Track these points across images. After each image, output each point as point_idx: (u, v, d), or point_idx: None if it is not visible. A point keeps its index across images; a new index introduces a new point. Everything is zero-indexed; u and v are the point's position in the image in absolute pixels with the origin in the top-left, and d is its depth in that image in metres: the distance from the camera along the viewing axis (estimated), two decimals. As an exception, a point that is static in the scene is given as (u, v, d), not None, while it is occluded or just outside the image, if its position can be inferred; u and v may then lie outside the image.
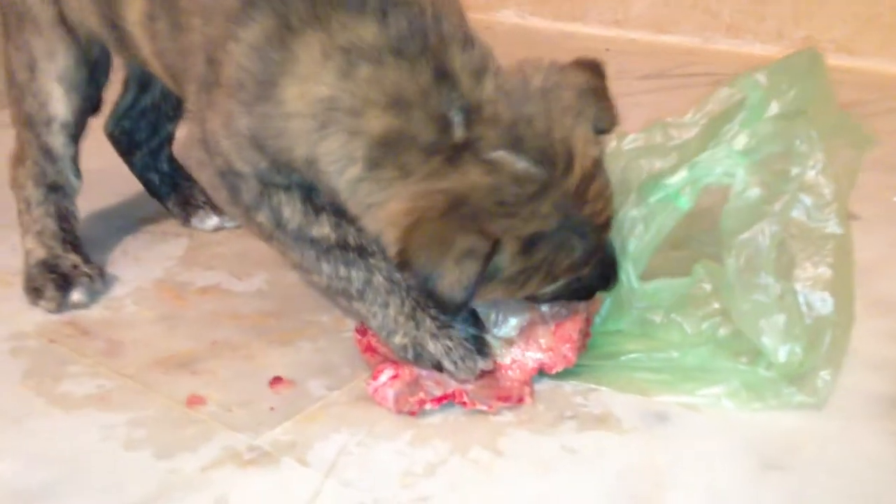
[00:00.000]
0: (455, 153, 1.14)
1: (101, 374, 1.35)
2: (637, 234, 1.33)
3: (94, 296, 1.55)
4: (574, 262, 1.20)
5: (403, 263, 1.15)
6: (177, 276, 1.65)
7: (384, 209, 1.17)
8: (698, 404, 1.27)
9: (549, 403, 1.28)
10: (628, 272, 1.33)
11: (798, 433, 1.21)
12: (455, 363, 1.26)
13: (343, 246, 1.27)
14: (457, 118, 1.15)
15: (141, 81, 1.77)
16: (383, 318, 1.28)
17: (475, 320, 1.31)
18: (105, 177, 1.94)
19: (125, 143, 1.83)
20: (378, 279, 1.28)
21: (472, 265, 1.11)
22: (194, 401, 1.29)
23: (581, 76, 1.22)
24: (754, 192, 1.27)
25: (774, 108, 1.34)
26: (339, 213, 1.27)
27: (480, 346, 1.28)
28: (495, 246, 1.13)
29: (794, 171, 1.24)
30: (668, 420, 1.25)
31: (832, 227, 1.24)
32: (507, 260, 1.15)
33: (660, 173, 1.38)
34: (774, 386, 1.24)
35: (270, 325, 1.49)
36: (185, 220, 1.82)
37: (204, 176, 1.31)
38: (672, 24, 3.31)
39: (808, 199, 1.25)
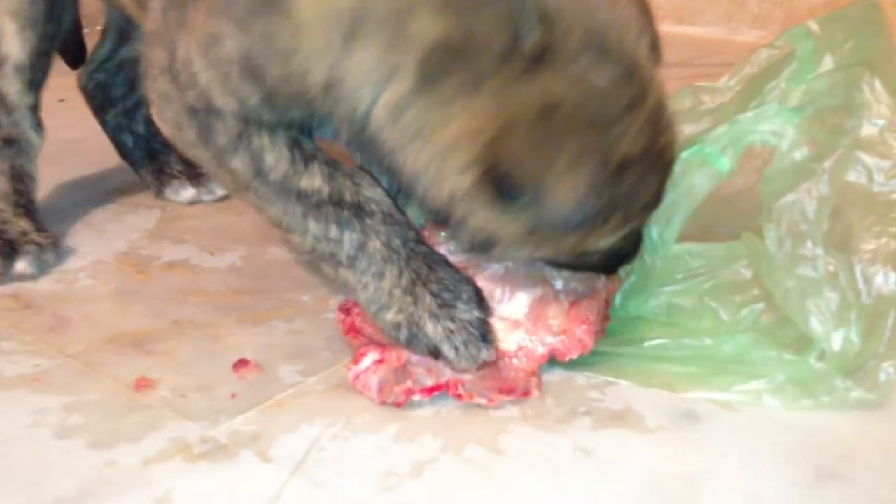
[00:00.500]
0: (530, 63, 0.97)
1: (41, 353, 1.18)
2: None
3: (42, 267, 1.39)
4: (649, 201, 1.05)
5: (497, 180, 0.97)
6: (142, 249, 1.48)
7: (445, 130, 0.98)
8: (735, 402, 1.09)
9: (559, 397, 1.11)
10: (650, 230, 1.16)
11: (857, 437, 1.04)
12: (456, 349, 1.07)
13: (337, 202, 1.09)
14: (530, 22, 0.97)
15: (121, 29, 1.62)
16: (375, 290, 1.10)
17: (479, 301, 1.12)
18: (80, 147, 1.83)
19: (99, 98, 1.67)
20: (374, 244, 1.09)
21: (590, 163, 0.96)
22: (143, 384, 1.11)
23: None
24: (802, 151, 1.09)
25: (829, 62, 1.17)
26: (333, 163, 1.09)
27: (484, 332, 1.09)
28: None
29: (850, 123, 1.06)
30: (699, 420, 1.08)
31: (900, 192, 1.06)
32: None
33: (694, 137, 1.21)
34: (827, 380, 1.05)
35: (242, 303, 1.31)
36: (159, 191, 1.66)
37: (168, 111, 1.12)
38: (695, 15, 3.18)
39: (868, 159, 1.07)
